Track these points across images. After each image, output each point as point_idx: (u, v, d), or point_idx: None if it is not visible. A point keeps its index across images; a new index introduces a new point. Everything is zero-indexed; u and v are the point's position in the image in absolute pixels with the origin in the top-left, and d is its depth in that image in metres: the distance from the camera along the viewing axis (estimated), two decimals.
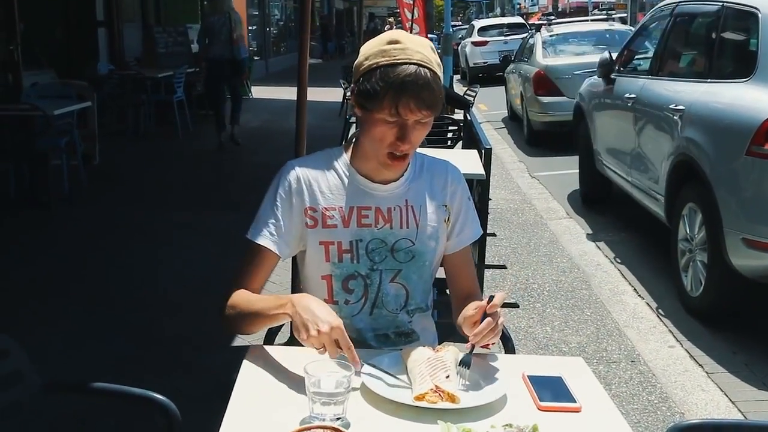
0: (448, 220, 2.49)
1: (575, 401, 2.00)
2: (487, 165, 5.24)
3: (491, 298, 2.18)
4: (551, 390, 2.05)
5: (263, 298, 2.26)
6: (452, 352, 2.13)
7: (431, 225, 2.45)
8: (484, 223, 5.44)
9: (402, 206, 2.42)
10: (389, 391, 1.98)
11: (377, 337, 2.46)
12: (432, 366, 2.04)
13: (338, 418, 1.88)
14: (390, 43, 2.27)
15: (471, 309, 2.22)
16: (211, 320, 2.46)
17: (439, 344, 2.29)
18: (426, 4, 15.05)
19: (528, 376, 2.12)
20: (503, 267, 6.41)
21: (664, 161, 5.79)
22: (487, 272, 6.07)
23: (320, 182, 2.40)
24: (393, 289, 2.44)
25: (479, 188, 5.40)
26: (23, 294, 5.69)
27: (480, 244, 5.36)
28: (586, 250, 6.86)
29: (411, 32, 17.26)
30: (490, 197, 8.87)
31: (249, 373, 2.14)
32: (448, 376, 1.99)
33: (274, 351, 2.27)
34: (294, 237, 2.39)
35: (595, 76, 7.96)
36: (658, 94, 6.27)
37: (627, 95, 6.79)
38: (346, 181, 2.41)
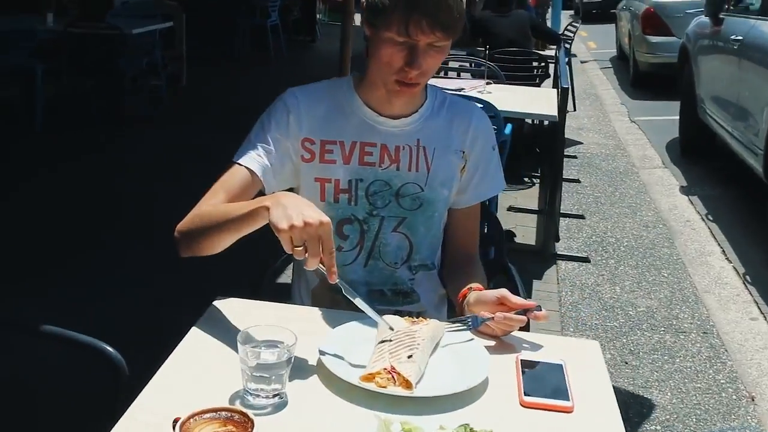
0: (463, 168, 2.14)
1: (568, 399, 1.62)
2: (562, 106, 4.77)
3: (539, 308, 1.87)
4: (544, 382, 1.69)
5: (230, 203, 1.91)
6: (431, 327, 1.79)
7: (445, 171, 2.11)
8: (557, 168, 5.03)
9: (412, 146, 2.08)
10: (340, 366, 1.66)
11: (370, 293, 2.14)
12: (398, 341, 1.70)
13: (276, 395, 1.58)
14: None
15: (507, 297, 1.88)
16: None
17: (452, 310, 1.93)
18: None
19: (522, 360, 1.76)
20: (580, 217, 5.97)
21: (766, 112, 5.18)
22: (562, 222, 5.67)
23: (321, 112, 2.08)
24: (395, 240, 2.11)
25: (551, 130, 4.95)
26: (76, 207, 5.56)
27: (555, 191, 4.94)
28: (677, 204, 6.31)
29: None
30: (580, 141, 8.41)
31: (202, 330, 1.85)
32: (410, 356, 1.65)
33: (242, 305, 1.96)
34: (284, 169, 2.07)
35: (704, 15, 7.25)
36: (765, 38, 5.60)
37: (733, 37, 6.12)
38: (350, 112, 2.09)
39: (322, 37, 15.64)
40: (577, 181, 6.91)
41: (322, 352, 1.70)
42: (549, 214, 5.07)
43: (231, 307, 1.93)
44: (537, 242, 5.29)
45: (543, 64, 7.11)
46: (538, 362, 1.76)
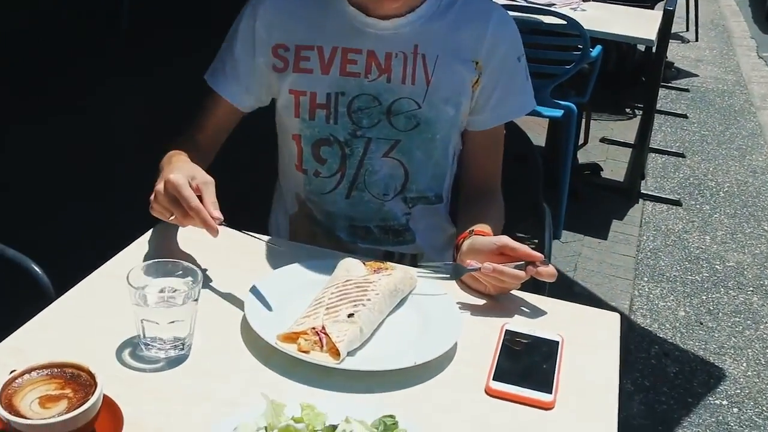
0: (476, 82, 1.71)
1: (549, 391, 1.23)
2: (664, 30, 4.18)
3: (546, 262, 1.46)
4: (526, 363, 1.30)
5: (165, 163, 1.59)
6: (395, 279, 1.41)
7: (449, 85, 1.68)
8: (651, 99, 4.47)
9: (408, 53, 1.66)
10: (263, 319, 1.31)
11: (353, 230, 1.77)
12: (342, 294, 1.33)
13: (176, 346, 1.24)
14: None
15: (508, 245, 1.47)
16: None
17: (458, 258, 1.55)
18: None
19: (507, 331, 1.36)
20: (680, 155, 5.39)
21: None
22: (658, 159, 5.12)
23: (297, 12, 1.69)
24: (385, 167, 1.73)
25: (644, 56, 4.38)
26: None
27: (647, 124, 4.40)
28: None
29: None
30: (696, 74, 7.66)
31: (123, 258, 1.53)
32: (351, 315, 1.27)
33: (189, 231, 1.62)
34: (257, 85, 1.73)
35: None
36: None
37: None
38: (331, 12, 1.69)
39: None
40: (684, 116, 6.27)
41: (250, 296, 1.35)
42: (638, 148, 4.53)
43: (174, 234, 1.60)
44: (625, 179, 4.76)
45: None
46: (528, 336, 1.36)
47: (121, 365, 1.23)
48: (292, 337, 1.25)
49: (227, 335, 1.31)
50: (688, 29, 9.41)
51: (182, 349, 1.26)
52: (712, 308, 3.50)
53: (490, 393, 1.22)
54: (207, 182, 1.43)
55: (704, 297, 3.59)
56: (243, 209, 1.93)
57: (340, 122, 1.68)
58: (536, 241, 2.01)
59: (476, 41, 1.69)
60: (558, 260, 3.77)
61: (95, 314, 1.34)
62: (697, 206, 4.59)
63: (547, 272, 1.44)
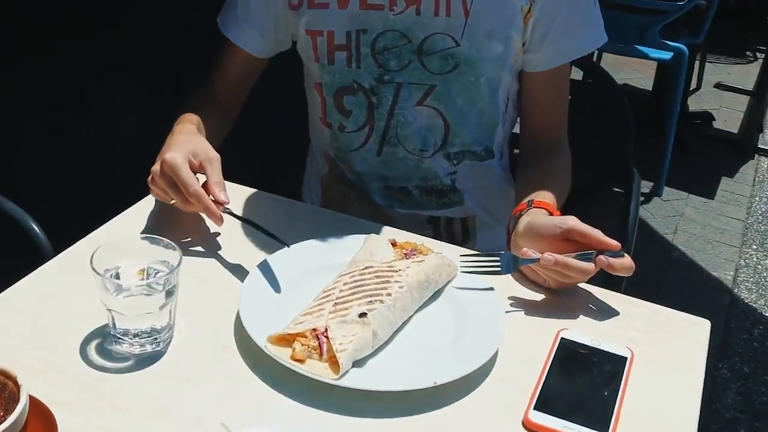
0: (529, 12, 1.39)
1: (606, 427, 0.95)
2: None
3: (621, 253, 1.16)
4: (580, 388, 1.02)
5: (175, 134, 1.33)
6: (428, 267, 1.14)
7: (494, 16, 1.38)
8: None
9: None
10: (261, 311, 1.07)
11: (388, 192, 1.51)
12: (358, 285, 1.08)
13: (151, 341, 1.02)
14: None
15: (576, 229, 1.17)
16: None
17: (512, 239, 1.26)
18: None
19: (563, 341, 1.09)
20: None
21: None
22: None
23: None
24: (422, 117, 1.46)
25: None
26: None
27: (765, 68, 3.95)
28: None
29: None
30: None
31: (121, 222, 1.32)
32: (363, 315, 1.02)
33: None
34: (272, 24, 1.48)
35: None
36: None
37: None
38: None
39: None
40: None
41: (249, 282, 1.12)
42: (756, 97, 4.08)
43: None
44: (739, 131, 4.31)
45: None
46: (589, 348, 1.08)
47: (82, 361, 1.02)
48: (288, 339, 1.00)
49: (218, 329, 1.08)
50: None
51: (157, 345, 1.04)
52: None
53: (528, 427, 0.95)
54: (211, 159, 1.20)
55: None
56: (275, 171, 1.70)
57: (363, 66, 1.41)
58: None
59: None
60: (657, 221, 3.42)
61: (72, 292, 1.13)
62: None
63: (622, 265, 1.15)
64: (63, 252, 1.23)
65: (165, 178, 1.18)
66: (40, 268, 1.19)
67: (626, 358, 1.06)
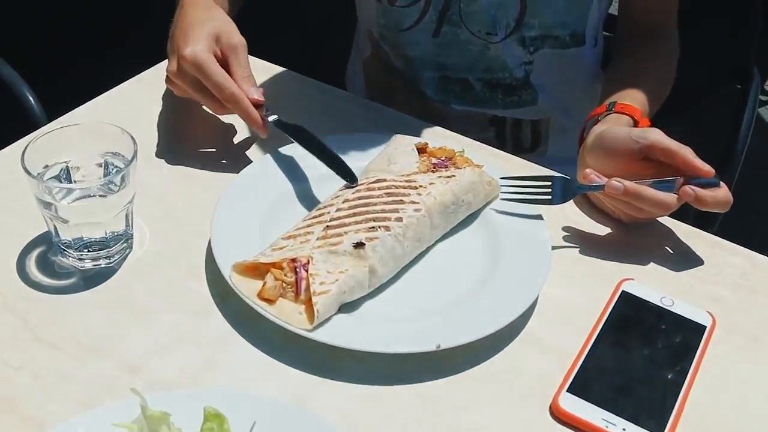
0: None
1: (664, 424, 0.70)
2: None
3: (716, 181, 0.88)
4: (636, 366, 0.77)
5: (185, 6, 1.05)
6: (457, 184, 0.89)
7: None
8: None
9: None
10: (234, 229, 0.84)
11: (444, 84, 1.25)
12: (362, 202, 0.84)
13: (102, 254, 0.83)
14: None
15: (659, 145, 0.89)
16: None
17: (581, 151, 0.99)
18: None
19: (625, 294, 0.83)
20: None
21: None
22: None
23: None
24: None
25: None
26: None
27: None
28: None
29: None
30: None
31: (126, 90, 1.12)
32: (360, 244, 0.79)
33: None
34: None
35: None
36: None
37: None
38: None
39: None
40: None
41: (233, 186, 0.90)
42: None
43: None
44: None
45: None
46: (657, 308, 0.83)
47: (16, 273, 0.83)
48: (262, 270, 0.78)
49: (188, 246, 0.87)
50: None
51: (109, 260, 0.84)
52: None
53: (557, 414, 0.72)
54: (235, 46, 0.96)
55: None
56: (318, 53, 1.45)
57: None
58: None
59: None
60: None
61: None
62: None
63: (714, 198, 0.87)
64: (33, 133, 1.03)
65: (187, 78, 0.94)
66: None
67: (704, 327, 0.81)
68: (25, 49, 1.50)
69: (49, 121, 1.08)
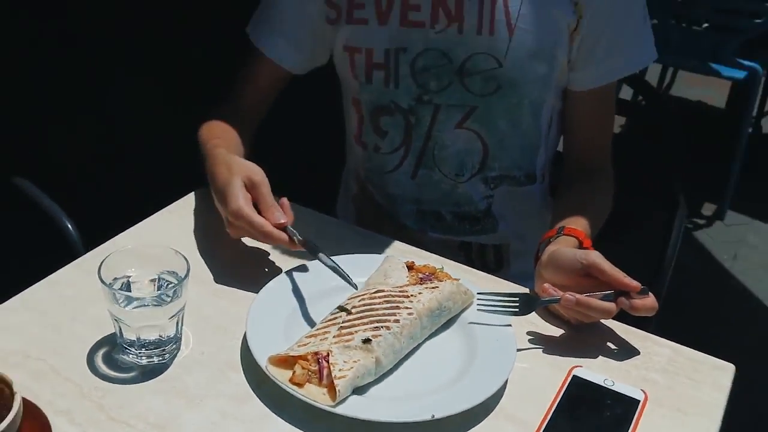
0: (576, 29, 1.35)
1: None
2: None
3: (645, 291, 1.12)
4: (588, 429, 0.99)
5: (209, 148, 1.33)
6: (441, 293, 1.12)
7: (539, 34, 1.35)
8: None
9: None
10: (269, 329, 1.06)
11: (421, 216, 1.50)
12: (367, 308, 1.07)
13: (158, 352, 1.03)
14: None
15: (597, 266, 1.14)
16: None
17: (537, 267, 1.23)
18: None
19: (575, 379, 1.06)
20: None
21: None
22: None
23: None
24: (460, 140, 1.43)
25: None
26: None
27: None
28: None
29: None
30: None
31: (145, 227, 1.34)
32: (367, 341, 1.01)
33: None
34: (309, 38, 1.45)
35: None
36: None
37: None
38: None
39: None
40: None
41: (261, 297, 1.12)
42: None
43: (200, 207, 1.39)
44: None
45: None
46: (600, 388, 1.05)
47: (88, 369, 1.03)
48: (290, 362, 1.00)
49: (225, 345, 1.08)
50: None
51: (163, 357, 1.05)
52: None
53: None
54: (257, 184, 1.19)
55: None
56: (310, 188, 1.69)
57: (401, 86, 1.39)
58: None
59: None
60: (717, 245, 3.31)
61: (89, 296, 1.14)
62: None
63: (644, 306, 1.11)
64: (86, 254, 1.25)
65: (237, 226, 1.18)
66: (61, 270, 1.21)
67: (638, 401, 1.03)
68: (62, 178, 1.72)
69: (86, 246, 1.30)
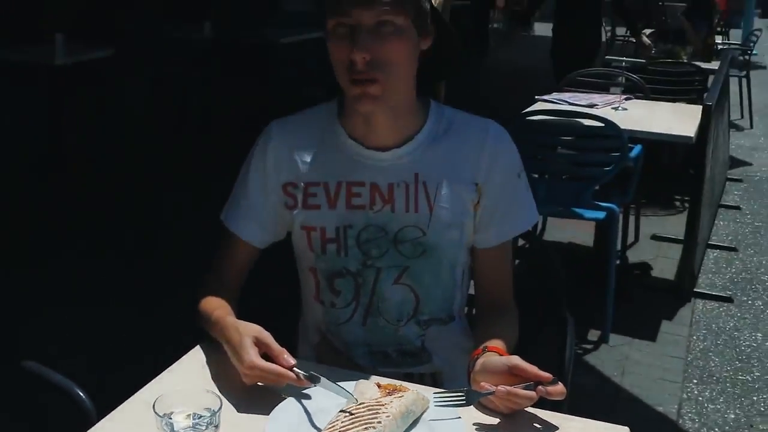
0: (478, 203, 1.79)
1: None
2: (704, 125, 4.24)
3: (555, 381, 1.51)
4: None
5: (214, 319, 1.69)
6: (408, 401, 1.47)
7: (452, 210, 1.77)
8: (696, 195, 4.48)
9: (409, 182, 1.76)
10: None
11: (372, 355, 1.85)
12: (355, 417, 1.41)
13: None
14: None
15: (518, 366, 1.54)
16: None
17: (472, 376, 1.61)
18: None
19: None
20: (733, 249, 5.36)
21: None
22: (711, 255, 5.12)
23: (303, 149, 1.80)
24: (397, 293, 1.81)
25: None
26: None
27: (694, 220, 4.41)
28: None
29: None
30: (750, 162, 7.64)
31: (165, 380, 1.64)
32: None
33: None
34: (273, 220, 1.83)
35: None
36: None
37: None
38: (333, 146, 1.79)
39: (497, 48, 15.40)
40: (737, 207, 6.25)
41: (270, 424, 1.44)
42: (686, 244, 4.54)
43: (205, 360, 1.70)
44: (675, 277, 4.75)
45: (699, 78, 6.42)
46: None
47: None
48: None
49: None
50: (743, 116, 9.45)
51: None
52: (763, 409, 3.45)
53: None
54: (265, 338, 1.54)
55: (755, 397, 3.54)
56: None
57: (350, 254, 1.77)
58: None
59: (475, 163, 1.77)
60: (605, 365, 3.77)
61: None
62: (749, 302, 4.56)
63: (556, 391, 1.50)
64: (108, 415, 1.53)
65: (254, 378, 1.51)
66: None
67: None
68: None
69: (97, 412, 1.58)
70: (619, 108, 4.75)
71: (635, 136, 4.23)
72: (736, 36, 14.65)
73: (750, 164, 7.62)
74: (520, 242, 2.32)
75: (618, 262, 4.59)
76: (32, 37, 6.46)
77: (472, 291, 1.96)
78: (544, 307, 2.12)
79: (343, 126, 1.78)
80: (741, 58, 9.67)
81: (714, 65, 6.69)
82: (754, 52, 10.67)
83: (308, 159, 1.78)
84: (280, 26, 8.93)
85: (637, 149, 4.22)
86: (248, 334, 1.54)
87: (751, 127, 9.23)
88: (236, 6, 8.84)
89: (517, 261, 2.06)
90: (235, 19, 8.70)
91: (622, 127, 3.97)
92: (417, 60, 1.72)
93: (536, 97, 4.92)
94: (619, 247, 4.66)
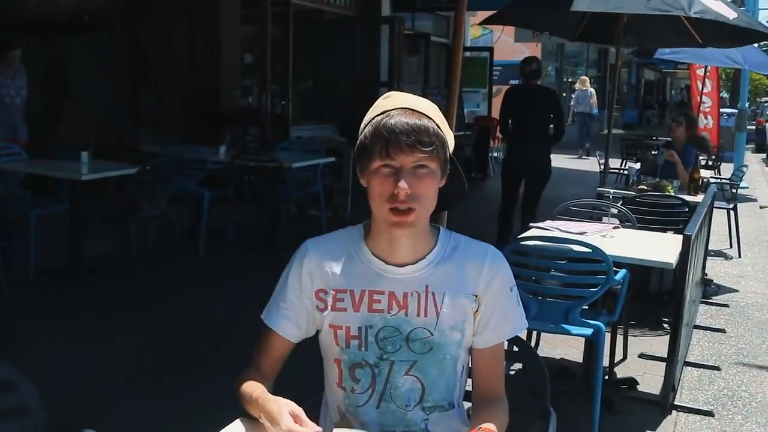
0: (477, 311, 2.21)
1: None
2: (684, 253, 4.66)
3: None
4: None
5: (255, 396, 2.09)
6: None
7: (455, 315, 2.18)
8: (677, 317, 4.87)
9: (421, 292, 2.18)
10: None
11: None
12: None
13: None
14: (383, 98, 2.17)
15: None
16: None
17: None
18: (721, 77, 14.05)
19: None
20: (716, 368, 5.70)
21: None
22: (694, 372, 5.47)
23: (333, 263, 2.23)
24: (407, 383, 2.19)
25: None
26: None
27: (675, 340, 4.79)
28: None
29: (700, 106, 16.36)
30: (736, 289, 8.05)
31: None
32: None
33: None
34: (305, 319, 2.25)
35: None
36: None
37: None
38: (359, 261, 2.23)
39: (496, 175, 16.02)
40: (722, 330, 6.62)
41: None
42: (668, 363, 4.90)
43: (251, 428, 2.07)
44: (659, 393, 5.08)
45: (686, 210, 6.88)
46: None
47: None
48: None
49: None
50: (731, 246, 9.90)
51: None
52: None
53: None
54: (299, 411, 1.93)
55: None
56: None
57: (370, 349, 2.17)
58: None
59: (475, 278, 2.20)
60: None
61: None
62: (729, 416, 4.87)
63: None
64: None
65: None
66: None
67: None
68: None
69: None
70: (607, 236, 5.19)
71: (619, 261, 4.65)
72: (728, 170, 15.29)
73: (737, 291, 8.01)
74: (514, 348, 2.71)
75: (606, 377, 4.95)
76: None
77: (469, 387, 2.34)
78: (532, 403, 2.50)
79: (368, 245, 2.23)
80: (731, 191, 10.25)
81: (699, 198, 7.18)
82: (742, 185, 11.23)
83: (338, 270, 2.21)
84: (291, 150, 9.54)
85: (622, 273, 4.63)
86: (285, 406, 1.95)
87: (739, 256, 9.64)
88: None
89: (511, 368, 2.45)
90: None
91: (608, 252, 4.42)
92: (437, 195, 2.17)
93: (531, 224, 5.41)
94: (608, 363, 5.02)
